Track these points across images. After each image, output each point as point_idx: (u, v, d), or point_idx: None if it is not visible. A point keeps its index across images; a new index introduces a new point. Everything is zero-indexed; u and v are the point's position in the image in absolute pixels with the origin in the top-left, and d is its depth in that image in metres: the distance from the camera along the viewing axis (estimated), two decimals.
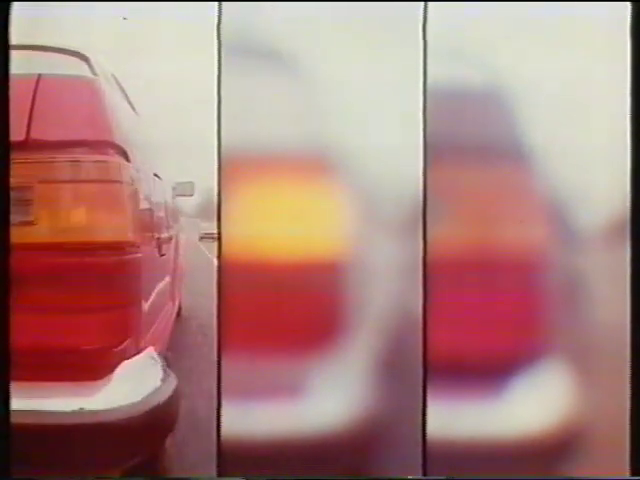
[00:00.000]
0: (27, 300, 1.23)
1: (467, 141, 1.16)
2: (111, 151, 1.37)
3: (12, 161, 1.09)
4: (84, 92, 1.42)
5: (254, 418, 1.20)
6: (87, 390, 1.31)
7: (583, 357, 1.16)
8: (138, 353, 1.45)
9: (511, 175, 1.16)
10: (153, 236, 1.77)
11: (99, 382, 1.33)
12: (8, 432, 1.09)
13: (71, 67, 1.80)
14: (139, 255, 1.45)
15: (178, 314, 3.02)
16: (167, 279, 2.41)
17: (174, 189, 3.40)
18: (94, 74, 1.79)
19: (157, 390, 1.40)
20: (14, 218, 1.12)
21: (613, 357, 1.15)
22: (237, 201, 1.16)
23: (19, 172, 1.13)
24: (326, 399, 1.18)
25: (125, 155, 1.41)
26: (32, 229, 1.28)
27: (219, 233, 1.18)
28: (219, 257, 1.16)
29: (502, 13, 1.13)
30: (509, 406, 1.16)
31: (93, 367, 1.35)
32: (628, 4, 1.13)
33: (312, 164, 1.15)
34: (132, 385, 1.36)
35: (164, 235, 2.12)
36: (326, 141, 1.38)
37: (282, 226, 1.17)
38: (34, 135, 1.30)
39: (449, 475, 1.16)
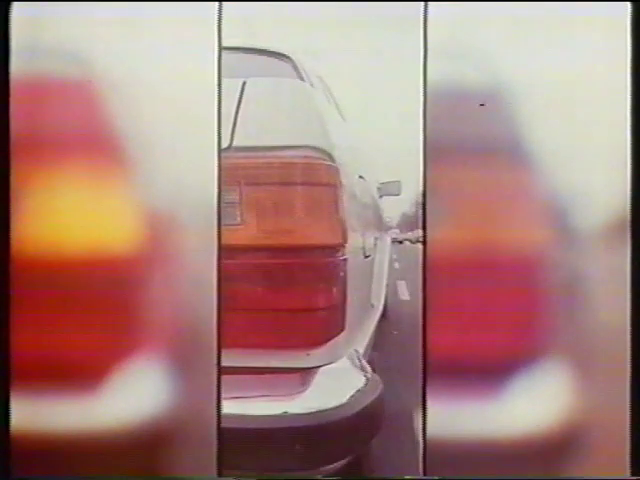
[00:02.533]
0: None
1: (467, 141, 1.12)
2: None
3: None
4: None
5: None
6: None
7: (583, 357, 1.12)
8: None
9: (511, 175, 1.11)
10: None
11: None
12: (8, 432, 1.11)
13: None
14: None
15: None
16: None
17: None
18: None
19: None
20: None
21: (613, 358, 1.12)
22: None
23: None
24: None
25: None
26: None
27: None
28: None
29: (501, 12, 1.11)
30: (508, 406, 1.12)
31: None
32: (628, 4, 1.11)
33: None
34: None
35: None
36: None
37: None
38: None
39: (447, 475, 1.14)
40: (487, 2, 1.11)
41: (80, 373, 1.11)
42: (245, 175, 1.33)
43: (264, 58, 1.88)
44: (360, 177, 1.98)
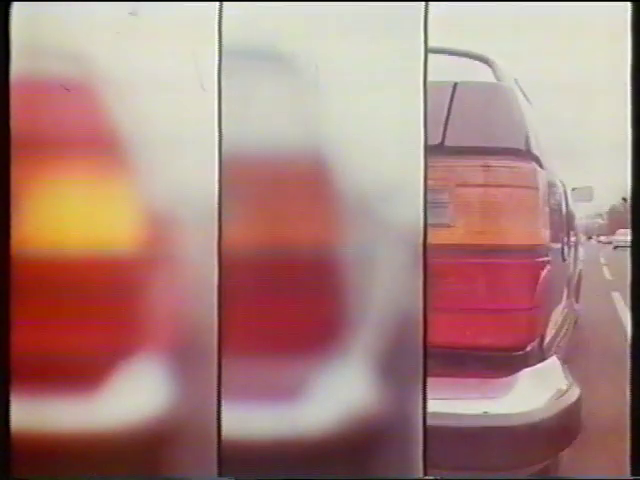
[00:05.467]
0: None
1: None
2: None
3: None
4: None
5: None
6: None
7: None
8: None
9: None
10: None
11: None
12: (8, 432, 1.11)
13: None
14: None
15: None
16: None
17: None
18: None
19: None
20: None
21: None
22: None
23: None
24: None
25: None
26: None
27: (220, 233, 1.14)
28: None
29: (501, 13, 1.10)
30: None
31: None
32: (628, 4, 1.10)
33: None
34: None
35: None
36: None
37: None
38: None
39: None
40: (487, 2, 1.11)
41: (80, 373, 1.11)
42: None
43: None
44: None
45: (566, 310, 2.31)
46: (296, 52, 1.11)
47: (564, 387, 1.46)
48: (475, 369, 1.38)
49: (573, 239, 2.76)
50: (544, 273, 1.47)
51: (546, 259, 1.48)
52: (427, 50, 1.11)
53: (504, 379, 1.38)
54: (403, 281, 1.13)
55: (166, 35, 1.11)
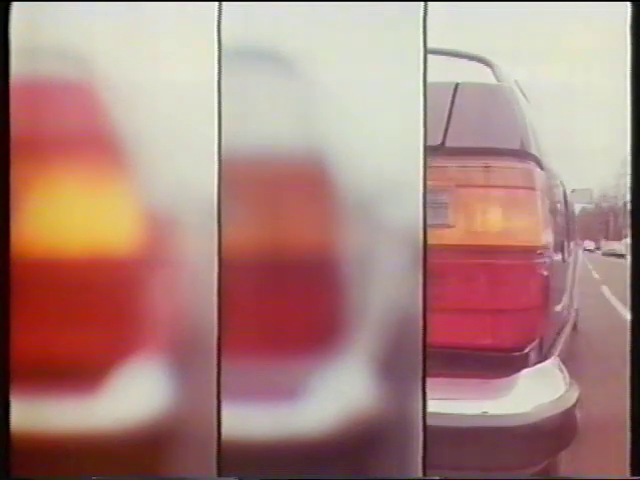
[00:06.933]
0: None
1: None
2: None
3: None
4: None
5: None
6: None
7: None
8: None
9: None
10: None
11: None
12: (8, 432, 1.11)
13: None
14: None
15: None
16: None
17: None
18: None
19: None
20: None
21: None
22: None
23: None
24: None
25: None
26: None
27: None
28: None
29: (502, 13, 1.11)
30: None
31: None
32: (628, 4, 1.10)
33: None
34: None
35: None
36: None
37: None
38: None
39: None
40: (486, 2, 1.11)
41: (80, 373, 1.11)
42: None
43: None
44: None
45: (565, 311, 2.32)
46: (296, 52, 1.12)
47: (563, 387, 1.47)
48: (475, 369, 1.38)
49: (574, 240, 2.76)
50: (544, 274, 1.47)
51: (546, 260, 1.48)
52: (426, 50, 1.11)
53: (504, 379, 1.39)
54: (403, 281, 1.13)
55: (166, 35, 1.11)
